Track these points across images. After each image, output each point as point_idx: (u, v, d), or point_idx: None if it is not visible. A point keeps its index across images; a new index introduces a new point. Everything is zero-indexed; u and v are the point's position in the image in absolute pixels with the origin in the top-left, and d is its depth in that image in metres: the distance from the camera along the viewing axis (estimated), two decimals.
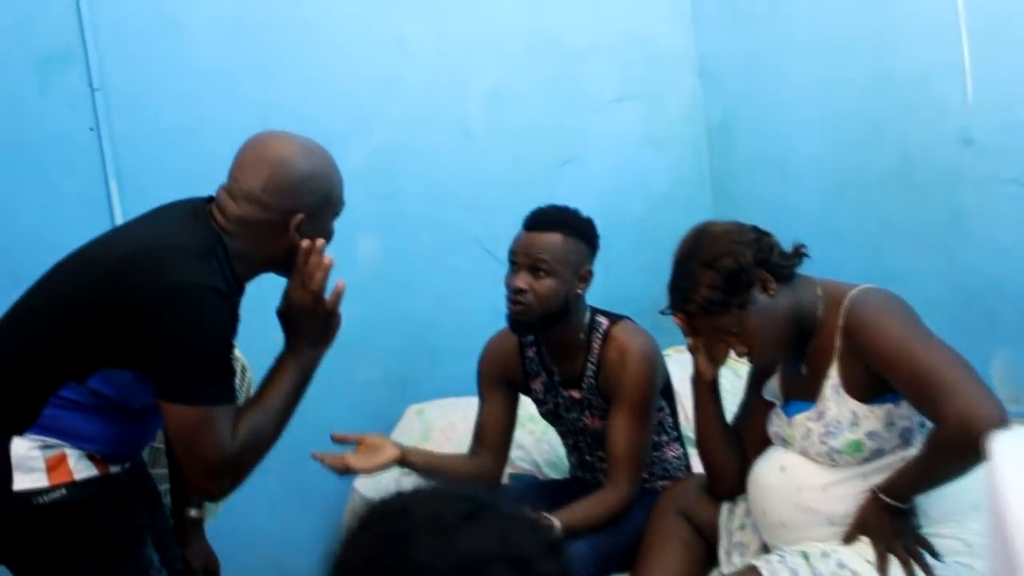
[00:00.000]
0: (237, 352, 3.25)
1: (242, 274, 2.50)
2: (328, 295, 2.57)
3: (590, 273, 3.15)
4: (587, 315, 3.21)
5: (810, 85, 4.41)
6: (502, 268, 3.16)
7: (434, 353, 4.32)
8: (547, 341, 3.24)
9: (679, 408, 3.43)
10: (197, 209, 2.53)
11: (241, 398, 3.04)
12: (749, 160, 4.77)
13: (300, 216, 2.47)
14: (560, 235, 3.07)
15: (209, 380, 2.35)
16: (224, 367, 2.39)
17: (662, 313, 2.78)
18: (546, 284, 3.05)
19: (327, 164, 2.57)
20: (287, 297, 2.59)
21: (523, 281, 3.06)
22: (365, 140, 4.18)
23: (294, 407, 2.57)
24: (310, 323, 2.57)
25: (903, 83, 4.03)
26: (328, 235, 2.58)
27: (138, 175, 3.76)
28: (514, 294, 3.07)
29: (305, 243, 2.50)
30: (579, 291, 3.13)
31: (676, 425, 3.38)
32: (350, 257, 4.03)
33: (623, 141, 4.74)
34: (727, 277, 2.59)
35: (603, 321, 3.20)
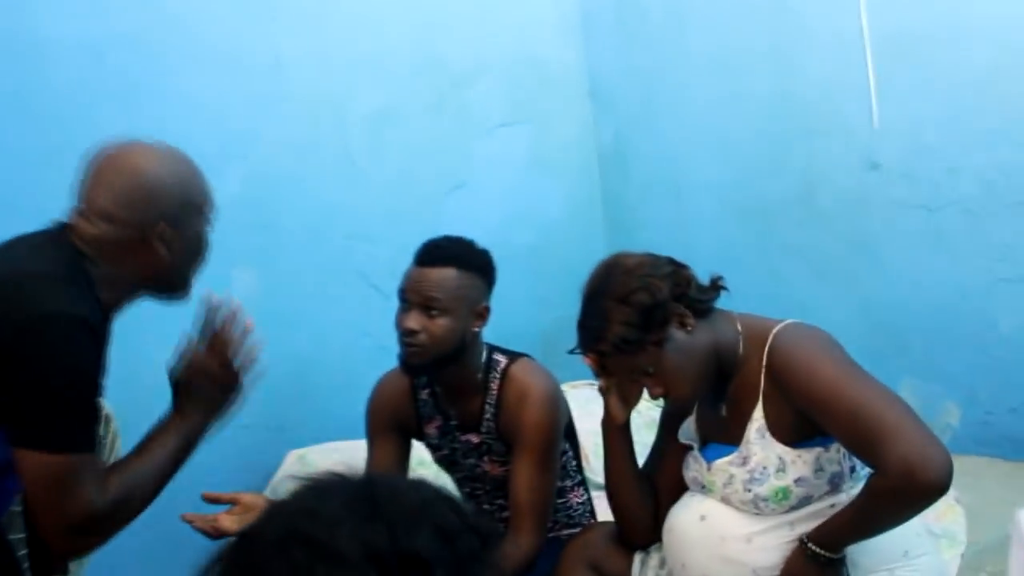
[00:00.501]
0: (100, 399, 3.00)
1: (109, 302, 2.26)
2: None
3: (487, 310, 2.96)
4: (484, 354, 3.01)
5: (707, 107, 4.31)
6: (388, 302, 2.97)
7: (315, 394, 4.08)
8: (442, 383, 3.04)
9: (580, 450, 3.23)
10: (54, 235, 2.28)
11: (105, 451, 2.78)
12: (643, 185, 4.65)
13: (161, 226, 2.25)
14: (454, 270, 2.87)
15: (74, 424, 2.11)
16: (91, 410, 2.16)
17: (571, 352, 2.59)
18: (440, 324, 2.84)
19: (183, 165, 2.36)
20: (188, 359, 2.36)
21: (415, 321, 2.84)
22: (239, 166, 3.94)
23: (172, 473, 2.34)
24: (209, 391, 2.36)
25: (806, 105, 3.94)
26: (200, 243, 2.38)
27: None
28: (406, 335, 2.86)
29: (214, 299, 2.34)
30: (476, 329, 2.94)
31: (580, 468, 3.19)
32: (223, 291, 3.79)
33: (512, 166, 4.61)
34: (642, 313, 2.41)
35: (501, 360, 3.02)
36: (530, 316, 4.32)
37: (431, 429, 3.10)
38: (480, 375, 2.99)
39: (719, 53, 4.26)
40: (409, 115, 4.36)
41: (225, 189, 3.70)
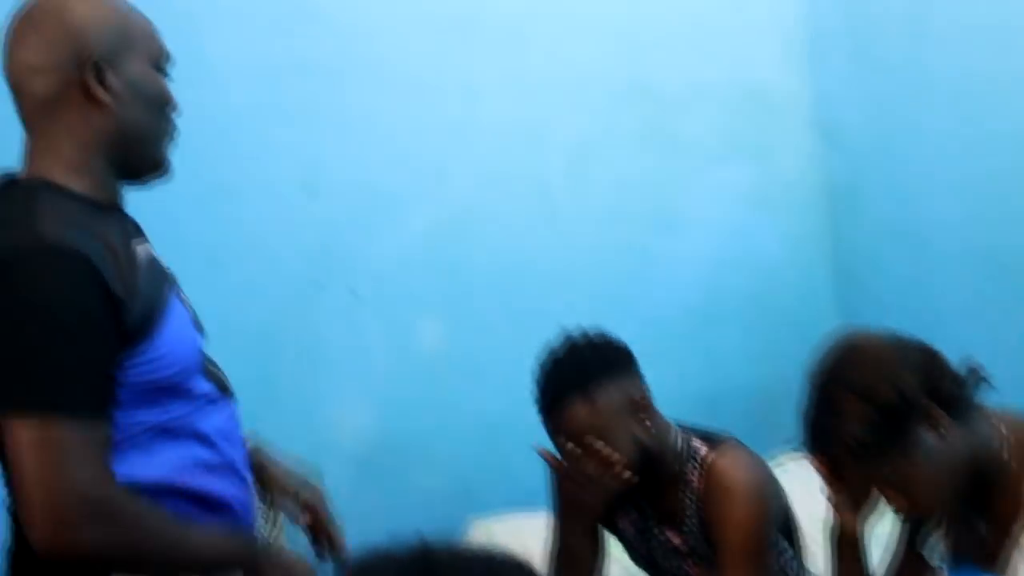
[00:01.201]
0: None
1: (98, 195, 1.90)
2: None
3: (645, 397, 2.61)
4: (678, 439, 2.66)
5: (953, 139, 3.88)
6: None
7: (506, 458, 3.74)
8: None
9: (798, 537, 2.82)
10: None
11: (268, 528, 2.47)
12: (877, 227, 4.23)
13: (93, 61, 1.88)
14: (579, 401, 2.55)
15: (52, 374, 1.72)
16: (83, 358, 1.75)
17: (794, 450, 2.20)
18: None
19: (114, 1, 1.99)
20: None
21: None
22: (427, 204, 3.73)
23: (175, 564, 1.89)
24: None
25: None
26: (152, 90, 1.99)
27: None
28: None
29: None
30: (647, 423, 2.60)
31: (800, 568, 2.78)
32: (408, 343, 3.67)
33: (729, 204, 4.26)
34: (886, 413, 2.02)
35: (700, 447, 2.66)
36: (746, 372, 3.99)
37: (625, 524, 2.77)
38: (677, 466, 2.65)
39: (966, 78, 3.82)
40: (614, 146, 4.06)
41: (410, 229, 3.70)
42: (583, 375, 2.58)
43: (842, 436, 2.06)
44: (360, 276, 3.58)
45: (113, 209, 1.93)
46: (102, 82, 1.88)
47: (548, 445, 2.67)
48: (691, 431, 2.68)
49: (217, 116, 3.40)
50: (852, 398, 2.05)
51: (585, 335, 2.67)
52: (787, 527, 2.73)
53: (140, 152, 1.98)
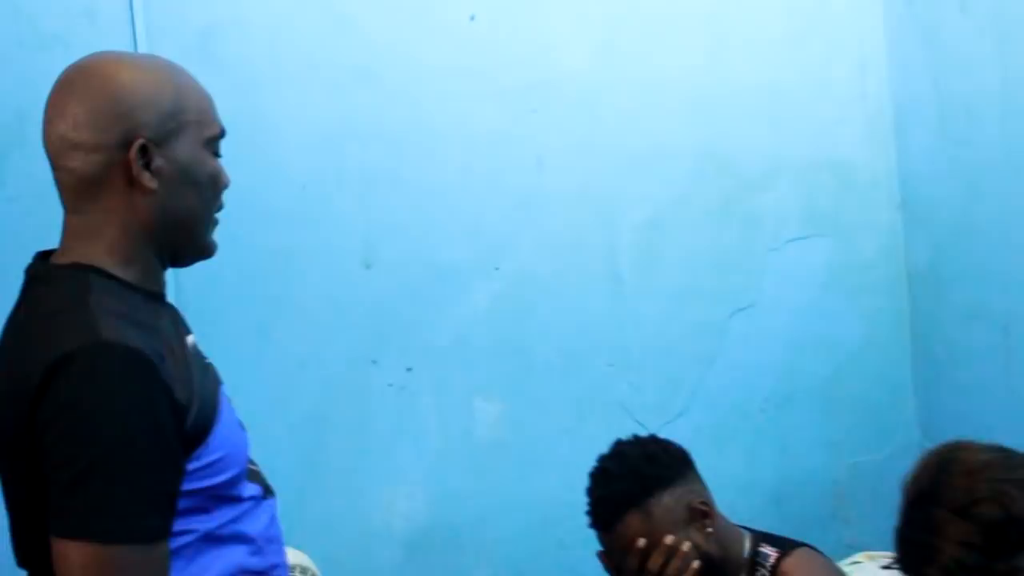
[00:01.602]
0: (305, 560, 2.61)
1: (145, 282, 1.76)
2: None
3: (705, 502, 2.53)
4: (745, 545, 2.56)
5: None
6: None
7: (564, 546, 3.65)
8: None
9: None
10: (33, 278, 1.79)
11: None
12: (962, 314, 4.01)
13: (139, 141, 1.71)
14: (635, 516, 2.48)
15: (115, 498, 1.55)
16: (149, 477, 1.58)
17: (885, 568, 2.04)
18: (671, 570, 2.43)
19: (166, 70, 1.83)
20: None
21: None
22: (489, 278, 3.62)
23: None
24: None
25: None
26: (199, 171, 1.81)
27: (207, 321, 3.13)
28: None
29: None
30: (708, 530, 2.50)
31: None
32: (464, 424, 3.56)
33: (807, 286, 4.09)
34: (988, 532, 1.87)
35: (769, 553, 2.55)
36: (820, 461, 3.83)
37: None
38: (744, 573, 2.54)
39: None
40: (686, 221, 3.92)
41: (470, 304, 3.61)
42: (637, 488, 2.50)
43: (940, 558, 1.91)
44: (416, 353, 3.49)
45: (160, 299, 1.80)
46: (148, 166, 1.74)
47: None
48: (761, 536, 2.58)
49: (274, 183, 3.36)
50: (951, 516, 1.91)
51: (637, 443, 2.59)
52: None
53: (185, 238, 1.82)
